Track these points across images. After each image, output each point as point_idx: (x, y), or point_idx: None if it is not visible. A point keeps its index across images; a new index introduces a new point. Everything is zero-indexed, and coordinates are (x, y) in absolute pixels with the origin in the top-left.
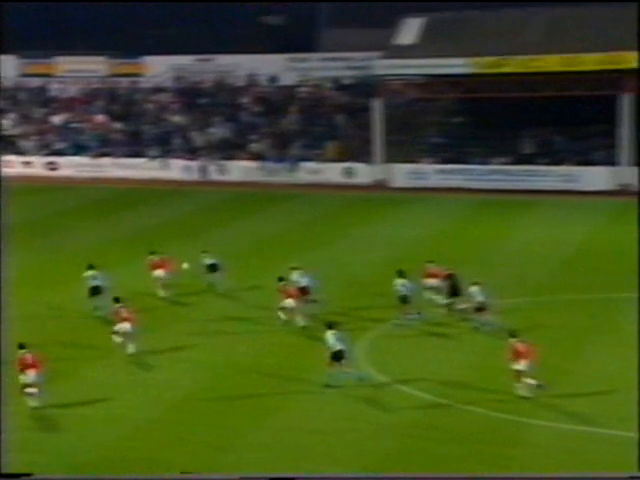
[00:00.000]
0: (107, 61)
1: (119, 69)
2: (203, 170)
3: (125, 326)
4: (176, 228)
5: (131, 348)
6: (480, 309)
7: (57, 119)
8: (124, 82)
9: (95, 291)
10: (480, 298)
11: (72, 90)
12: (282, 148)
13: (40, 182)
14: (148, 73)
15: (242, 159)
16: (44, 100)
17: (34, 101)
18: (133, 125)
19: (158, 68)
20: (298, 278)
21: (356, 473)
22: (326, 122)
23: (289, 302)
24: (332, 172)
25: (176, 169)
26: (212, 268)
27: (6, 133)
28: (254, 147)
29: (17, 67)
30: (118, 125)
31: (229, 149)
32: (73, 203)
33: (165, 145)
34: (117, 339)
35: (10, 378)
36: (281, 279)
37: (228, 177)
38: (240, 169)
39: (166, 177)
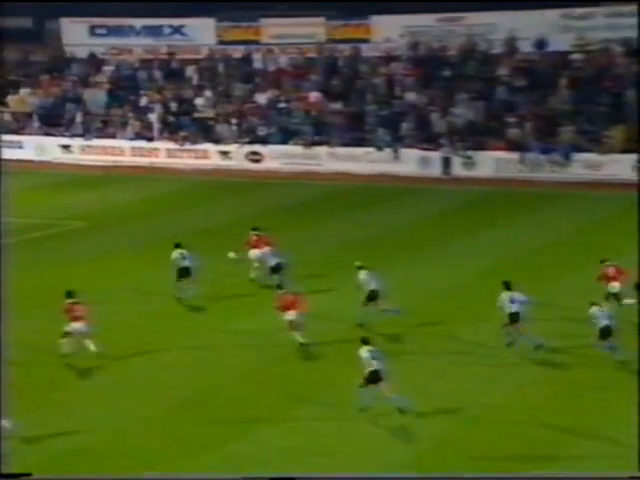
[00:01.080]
0: (325, 23)
1: (340, 33)
2: (445, 163)
3: (78, 326)
4: (403, 237)
5: (91, 346)
6: (604, 335)
7: (262, 97)
8: (346, 49)
9: (184, 273)
10: (605, 321)
11: (281, 60)
12: (550, 134)
13: (238, 176)
14: (377, 38)
15: (496, 149)
16: (247, 73)
17: (235, 75)
18: (356, 105)
19: (390, 31)
20: (366, 279)
21: (356, 473)
22: (611, 99)
23: (291, 314)
24: (618, 166)
25: (410, 162)
26: (276, 268)
27: (201, 115)
28: (513, 133)
29: (216, 32)
30: (337, 105)
31: (480, 136)
32: (278, 202)
33: (396, 131)
34: (66, 342)
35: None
36: (279, 286)
37: (477, 172)
38: (493, 162)
39: (397, 172)
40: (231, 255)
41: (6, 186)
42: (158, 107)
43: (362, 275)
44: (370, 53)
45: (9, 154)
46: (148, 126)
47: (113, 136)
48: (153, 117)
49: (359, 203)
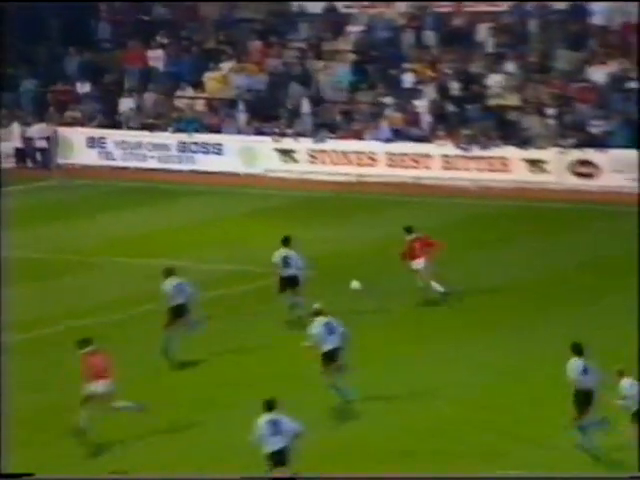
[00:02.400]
0: None
1: None
2: None
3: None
4: None
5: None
6: None
7: (599, 73)
8: None
9: (289, 282)
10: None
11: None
12: None
13: (556, 199)
14: None
15: None
16: (575, 34)
17: (555, 37)
18: None
19: None
20: (322, 333)
21: (356, 473)
22: None
23: (96, 386)
24: None
25: None
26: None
27: (498, 102)
28: None
29: None
30: None
31: None
32: (621, 247)
33: None
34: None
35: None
36: (84, 343)
37: None
38: None
39: None
40: (355, 285)
41: (195, 211)
42: (430, 89)
43: (317, 326)
44: None
45: (202, 162)
46: (414, 119)
47: (359, 135)
48: (422, 105)
49: None
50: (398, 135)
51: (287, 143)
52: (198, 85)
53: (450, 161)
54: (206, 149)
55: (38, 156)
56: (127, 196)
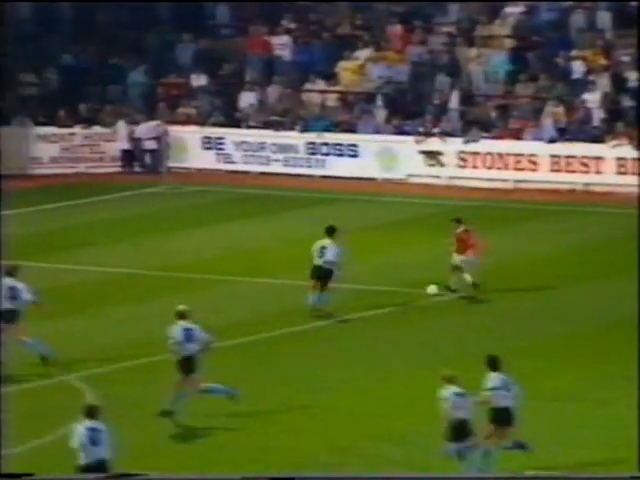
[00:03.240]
0: None
1: None
2: None
3: None
4: None
5: None
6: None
7: None
8: None
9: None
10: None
11: None
12: None
13: None
14: None
15: None
16: None
17: None
18: None
19: None
20: (181, 338)
21: (356, 473)
22: None
23: None
24: None
25: None
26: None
27: None
28: None
29: None
30: None
31: None
32: None
33: None
34: None
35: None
36: None
37: None
38: None
39: None
40: (431, 289)
41: (325, 222)
42: (604, 80)
43: (176, 330)
44: None
45: (333, 166)
46: (584, 116)
47: (518, 135)
48: (593, 99)
49: None
50: (564, 134)
51: (433, 144)
52: (330, 77)
53: (627, 165)
54: (339, 151)
55: (147, 159)
56: (247, 204)
